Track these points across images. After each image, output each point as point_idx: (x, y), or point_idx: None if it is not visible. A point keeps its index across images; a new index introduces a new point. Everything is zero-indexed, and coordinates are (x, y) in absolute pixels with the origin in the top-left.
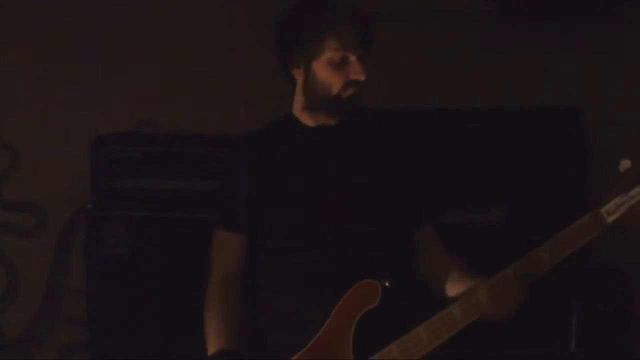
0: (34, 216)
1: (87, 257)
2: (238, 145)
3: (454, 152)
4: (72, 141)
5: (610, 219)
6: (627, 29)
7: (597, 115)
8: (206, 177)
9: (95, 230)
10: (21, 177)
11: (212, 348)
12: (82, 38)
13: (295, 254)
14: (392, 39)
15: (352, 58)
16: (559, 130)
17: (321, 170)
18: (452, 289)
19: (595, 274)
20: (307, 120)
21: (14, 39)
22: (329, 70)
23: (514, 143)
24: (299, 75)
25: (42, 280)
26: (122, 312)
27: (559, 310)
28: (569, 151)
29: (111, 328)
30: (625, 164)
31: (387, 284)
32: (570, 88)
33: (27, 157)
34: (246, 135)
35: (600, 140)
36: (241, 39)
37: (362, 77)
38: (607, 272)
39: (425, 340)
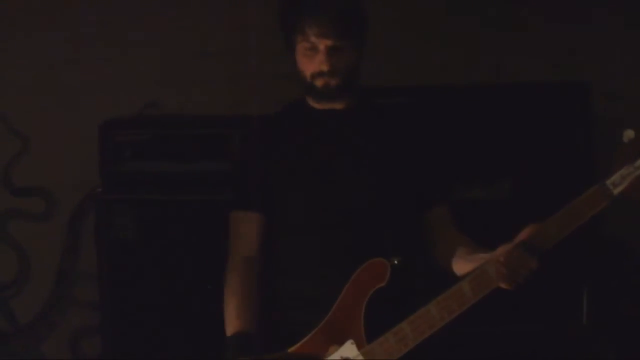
0: (44, 201)
1: (98, 241)
2: (254, 127)
3: (461, 128)
4: (80, 126)
5: (616, 191)
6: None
7: (604, 89)
8: (214, 159)
9: (105, 214)
10: (31, 162)
11: (229, 330)
12: (88, 21)
13: (310, 234)
14: (398, 16)
15: (321, 47)
16: (565, 104)
17: (332, 152)
18: (462, 267)
19: (605, 247)
20: (314, 103)
21: (19, 25)
22: (302, 59)
23: (520, 118)
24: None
25: (53, 265)
26: (133, 295)
27: (570, 284)
28: (575, 125)
29: (122, 311)
30: (629, 134)
31: (395, 262)
32: (577, 62)
33: (36, 143)
34: (261, 116)
35: (606, 114)
36: (247, 20)
37: (324, 68)
38: (616, 245)
39: (436, 316)
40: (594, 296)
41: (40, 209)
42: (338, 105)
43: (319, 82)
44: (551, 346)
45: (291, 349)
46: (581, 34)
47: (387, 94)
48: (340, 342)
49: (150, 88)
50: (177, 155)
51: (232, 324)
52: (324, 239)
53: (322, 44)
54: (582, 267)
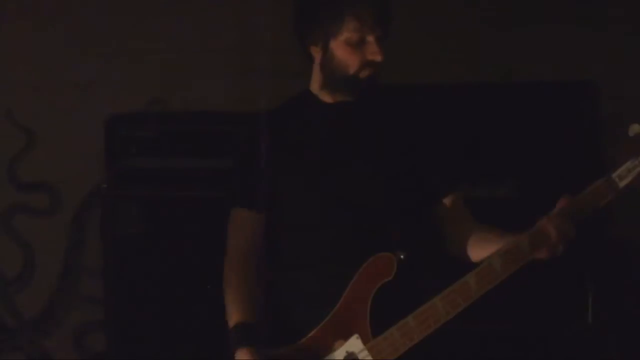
0: (49, 196)
1: (103, 237)
2: (255, 123)
3: (467, 127)
4: (85, 121)
5: (622, 184)
6: None
7: (611, 89)
8: (220, 155)
9: (110, 210)
10: (36, 157)
11: (231, 321)
12: (94, 17)
13: (315, 230)
14: (407, 13)
15: (370, 38)
16: (572, 104)
17: (339, 146)
18: (489, 250)
19: (610, 247)
20: (325, 97)
21: (25, 21)
22: (347, 50)
23: (527, 117)
24: (316, 53)
25: (58, 260)
26: (137, 290)
27: (575, 284)
28: (582, 125)
29: (127, 307)
30: (635, 128)
31: (402, 257)
32: (584, 62)
33: (42, 138)
34: (264, 112)
35: (613, 114)
36: (254, 15)
37: (379, 58)
38: (621, 244)
39: (442, 310)
40: (599, 296)
41: (45, 204)
42: (349, 98)
43: (364, 73)
44: (556, 346)
45: (298, 343)
46: (588, 34)
47: (395, 91)
48: (346, 337)
49: (156, 84)
50: (183, 152)
51: (233, 316)
52: (330, 234)
53: (375, 34)
54: (588, 267)
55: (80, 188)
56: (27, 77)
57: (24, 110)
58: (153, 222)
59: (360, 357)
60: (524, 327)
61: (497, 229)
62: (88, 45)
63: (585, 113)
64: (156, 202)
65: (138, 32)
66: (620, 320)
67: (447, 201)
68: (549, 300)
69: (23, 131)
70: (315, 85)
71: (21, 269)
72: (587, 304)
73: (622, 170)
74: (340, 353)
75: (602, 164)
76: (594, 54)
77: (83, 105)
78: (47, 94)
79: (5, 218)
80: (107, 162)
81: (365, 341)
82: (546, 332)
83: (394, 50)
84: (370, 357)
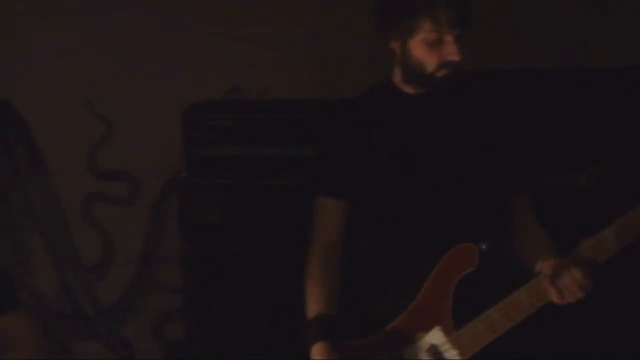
0: (129, 185)
1: (181, 225)
2: (337, 110)
3: (552, 113)
4: (164, 110)
5: None
6: None
7: None
8: (299, 143)
9: (189, 198)
10: (115, 146)
11: (310, 313)
12: (173, 5)
13: (394, 220)
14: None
15: (448, 38)
16: None
17: (420, 136)
18: (536, 262)
19: None
20: (407, 88)
21: (103, 8)
22: (424, 49)
23: (612, 104)
24: (396, 48)
25: (137, 248)
26: (216, 279)
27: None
28: None
29: (205, 295)
30: None
31: (483, 247)
32: None
33: (120, 127)
34: (346, 100)
35: None
36: (331, 4)
37: (456, 58)
38: None
39: (526, 303)
40: None
41: (124, 192)
42: (430, 90)
43: (442, 73)
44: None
45: (377, 335)
46: None
47: (474, 78)
48: (427, 329)
49: (234, 72)
50: (262, 140)
51: (312, 308)
52: (409, 224)
53: (452, 34)
54: None
55: (159, 177)
56: (106, 66)
57: (102, 100)
58: (232, 210)
59: (442, 350)
60: (584, 319)
61: (548, 241)
62: (167, 33)
63: None
64: (235, 191)
65: (217, 20)
66: None
67: (518, 199)
68: (607, 292)
69: (102, 120)
70: (397, 78)
71: (101, 257)
72: None
73: None
74: (422, 345)
75: None
76: None
77: (162, 94)
78: (126, 83)
79: (85, 207)
80: (186, 150)
81: (447, 333)
82: (604, 324)
83: (472, 36)
84: (454, 350)
